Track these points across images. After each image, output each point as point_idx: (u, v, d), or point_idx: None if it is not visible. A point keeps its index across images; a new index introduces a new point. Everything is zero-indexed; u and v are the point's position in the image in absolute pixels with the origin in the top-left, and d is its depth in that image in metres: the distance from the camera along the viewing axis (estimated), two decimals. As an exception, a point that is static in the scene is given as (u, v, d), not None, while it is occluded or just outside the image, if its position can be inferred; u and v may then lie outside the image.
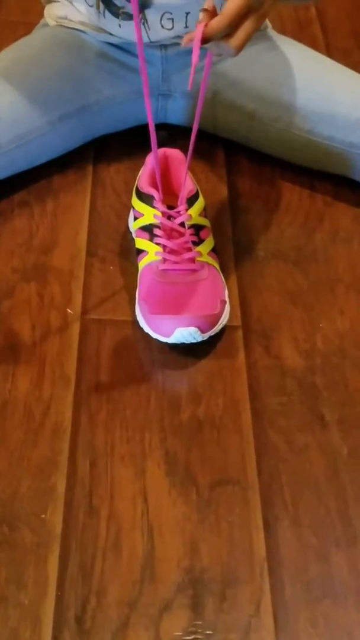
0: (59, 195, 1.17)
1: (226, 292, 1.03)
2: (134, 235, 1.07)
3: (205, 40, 0.77)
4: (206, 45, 0.78)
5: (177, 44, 1.14)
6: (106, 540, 0.83)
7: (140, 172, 1.09)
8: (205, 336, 0.98)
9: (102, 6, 1.09)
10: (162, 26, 1.10)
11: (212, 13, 0.77)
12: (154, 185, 1.05)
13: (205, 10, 0.77)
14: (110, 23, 1.11)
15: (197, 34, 0.76)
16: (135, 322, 1.01)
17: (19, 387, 0.95)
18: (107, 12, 1.09)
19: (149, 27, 1.10)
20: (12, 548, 0.82)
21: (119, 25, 1.11)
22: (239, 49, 0.78)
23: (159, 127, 1.25)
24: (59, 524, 0.84)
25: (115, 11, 1.09)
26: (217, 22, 0.76)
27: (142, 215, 1.04)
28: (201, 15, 0.77)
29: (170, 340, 0.97)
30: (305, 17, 1.55)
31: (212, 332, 0.98)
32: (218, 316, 0.99)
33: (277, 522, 0.85)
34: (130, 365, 0.98)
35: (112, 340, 1.00)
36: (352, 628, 0.78)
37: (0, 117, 1.09)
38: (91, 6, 1.11)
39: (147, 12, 1.08)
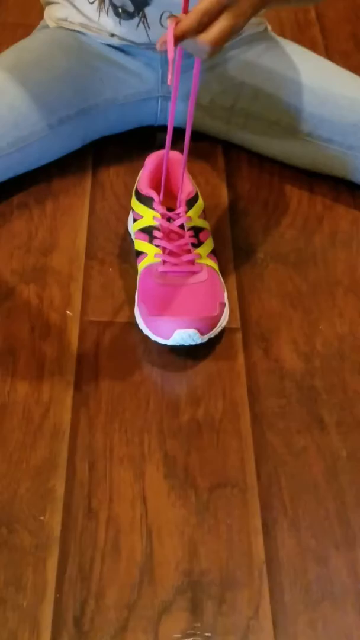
0: (59, 198, 1.17)
1: (225, 294, 1.03)
2: (133, 237, 1.07)
3: (177, 38, 0.76)
4: (181, 44, 0.78)
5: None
6: (105, 543, 0.83)
7: (139, 174, 1.09)
8: (205, 338, 0.98)
9: (105, 3, 1.09)
10: (162, 25, 1.10)
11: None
12: (153, 187, 1.05)
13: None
14: (111, 22, 1.11)
15: (169, 33, 0.76)
16: (134, 324, 1.01)
17: (17, 389, 0.95)
18: (109, 10, 1.09)
19: (149, 25, 1.10)
20: (11, 550, 0.82)
21: (119, 23, 1.10)
22: (213, 44, 0.77)
23: (159, 129, 1.26)
24: (58, 526, 0.84)
25: (116, 12, 1.09)
26: (186, 18, 0.76)
27: (142, 217, 1.04)
28: (170, 18, 0.77)
29: (170, 342, 0.97)
30: (304, 19, 1.55)
31: (211, 335, 0.98)
32: (217, 318, 0.99)
33: (276, 524, 0.85)
34: (130, 368, 0.98)
35: (111, 342, 1.00)
36: (351, 630, 0.78)
37: (1, 121, 1.09)
38: (92, 2, 1.11)
39: (147, 10, 1.08)
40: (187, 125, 0.91)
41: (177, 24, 0.76)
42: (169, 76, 0.79)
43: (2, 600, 0.78)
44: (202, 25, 0.76)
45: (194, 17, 0.76)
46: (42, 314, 1.02)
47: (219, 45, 0.78)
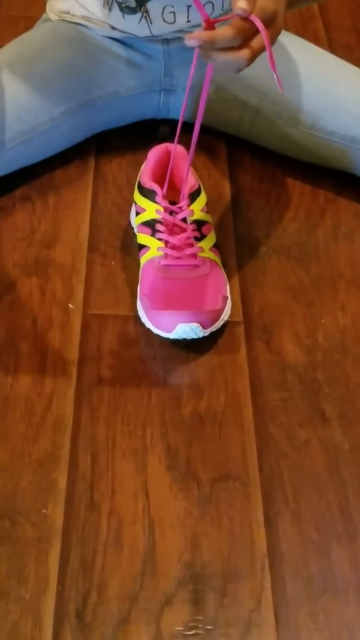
0: (61, 190, 1.17)
1: (228, 287, 1.03)
2: (135, 230, 1.07)
3: (209, 42, 0.76)
4: (213, 60, 0.77)
5: (180, 38, 1.14)
6: (107, 535, 0.83)
7: (142, 167, 1.09)
8: (207, 332, 0.98)
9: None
10: (164, 20, 1.10)
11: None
12: (156, 180, 1.05)
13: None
14: (114, 16, 1.11)
15: (204, 34, 0.75)
16: (136, 318, 1.01)
17: (20, 381, 0.95)
18: (113, 4, 1.09)
19: (151, 20, 1.10)
20: (13, 543, 0.82)
21: (123, 17, 1.10)
22: (249, 62, 0.78)
23: (162, 122, 1.25)
24: (60, 519, 0.84)
25: (120, 7, 1.09)
26: (224, 30, 0.75)
27: (144, 210, 1.04)
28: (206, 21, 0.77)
29: (172, 335, 0.97)
30: (307, 13, 1.54)
31: (213, 328, 0.98)
32: (220, 312, 0.99)
33: (278, 517, 0.86)
34: (132, 361, 0.98)
35: (114, 335, 1.00)
36: (352, 623, 0.78)
37: (3, 114, 1.09)
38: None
39: (149, 5, 1.08)
40: (196, 121, 0.91)
41: (210, 27, 0.76)
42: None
43: (4, 592, 0.79)
44: (238, 41, 0.77)
45: (232, 32, 0.75)
46: (44, 306, 1.02)
47: (250, 63, 0.79)
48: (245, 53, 0.77)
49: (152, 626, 0.77)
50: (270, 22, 0.79)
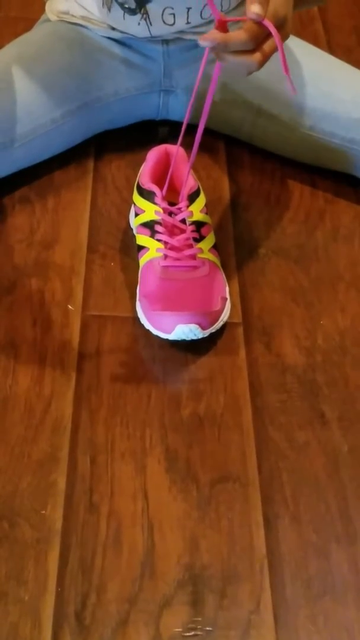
0: (60, 192, 1.17)
1: (227, 289, 1.03)
2: (135, 231, 1.07)
3: (222, 45, 0.76)
4: (226, 62, 0.78)
5: (179, 39, 1.14)
6: (106, 537, 0.83)
7: (141, 169, 1.09)
8: (206, 333, 0.97)
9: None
10: (164, 22, 1.10)
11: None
12: (155, 181, 1.05)
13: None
14: (114, 16, 1.11)
15: (218, 35, 0.75)
16: (136, 319, 1.01)
17: (19, 383, 0.95)
18: (112, 5, 1.09)
19: (151, 22, 1.10)
20: (12, 544, 0.82)
21: (123, 17, 1.10)
22: (261, 66, 0.79)
23: (161, 123, 1.25)
24: (59, 520, 0.84)
25: (122, 7, 1.09)
26: (238, 34, 0.76)
27: (143, 211, 1.04)
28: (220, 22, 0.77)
29: (171, 336, 0.97)
30: (307, 14, 1.54)
31: (212, 329, 0.98)
32: (219, 313, 0.99)
33: (277, 519, 0.85)
34: (131, 362, 0.98)
35: (113, 336, 1.00)
36: (351, 625, 0.78)
37: (3, 116, 1.09)
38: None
39: (149, 6, 1.08)
40: (200, 123, 0.91)
41: (223, 27, 0.76)
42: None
43: (3, 593, 0.79)
44: (252, 44, 0.77)
45: (246, 36, 0.76)
46: (43, 307, 1.02)
47: (262, 66, 0.80)
48: (257, 57, 0.78)
49: (151, 628, 0.77)
50: (280, 26, 0.80)
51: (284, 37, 0.82)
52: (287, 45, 1.17)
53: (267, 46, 0.79)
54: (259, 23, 0.77)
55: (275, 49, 0.79)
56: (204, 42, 0.76)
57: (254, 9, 0.76)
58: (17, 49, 1.16)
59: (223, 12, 1.13)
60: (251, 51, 0.78)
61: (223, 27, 0.78)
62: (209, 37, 0.76)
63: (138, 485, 0.87)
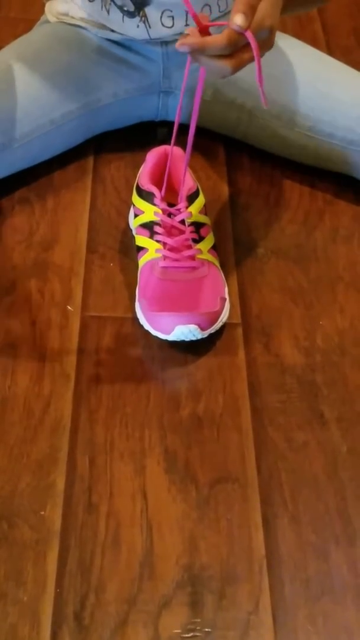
0: (60, 192, 1.17)
1: (226, 289, 1.03)
2: (134, 232, 1.07)
3: (199, 49, 0.76)
4: (201, 62, 0.78)
5: (178, 41, 1.14)
6: (105, 537, 0.83)
7: (140, 169, 1.09)
8: (205, 333, 0.98)
9: (106, 1, 1.09)
10: (163, 24, 1.10)
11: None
12: (154, 182, 1.05)
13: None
14: (113, 19, 1.11)
15: (194, 41, 0.75)
16: (135, 319, 1.01)
17: (18, 383, 0.95)
18: (111, 8, 1.09)
19: (150, 24, 1.10)
20: (11, 545, 0.82)
21: (122, 20, 1.10)
22: (235, 72, 0.78)
23: (160, 124, 1.25)
24: (58, 521, 0.84)
25: (120, 10, 1.09)
26: (218, 39, 0.75)
27: (143, 212, 1.04)
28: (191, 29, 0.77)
29: (170, 337, 0.97)
30: (306, 15, 1.54)
31: (212, 330, 0.98)
32: (218, 313, 0.99)
33: (276, 519, 0.85)
34: (130, 363, 0.98)
35: (112, 337, 1.00)
36: (350, 625, 0.78)
37: (3, 117, 1.09)
38: (92, 0, 1.11)
39: (148, 9, 1.08)
40: (191, 122, 0.91)
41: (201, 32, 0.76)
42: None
43: (2, 594, 0.79)
44: (229, 50, 0.77)
45: (224, 42, 0.75)
46: (43, 308, 1.02)
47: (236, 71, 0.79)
48: (231, 62, 0.78)
49: (150, 629, 0.77)
50: (265, 36, 0.79)
51: (268, 47, 0.81)
52: (286, 46, 1.18)
53: (245, 53, 0.78)
54: (240, 33, 0.77)
55: (253, 59, 0.79)
56: (181, 47, 0.76)
57: (237, 21, 0.75)
58: (16, 49, 1.16)
59: (221, 13, 1.13)
60: (228, 56, 0.78)
61: (205, 31, 0.78)
62: (187, 42, 0.76)
63: (137, 486, 0.87)
